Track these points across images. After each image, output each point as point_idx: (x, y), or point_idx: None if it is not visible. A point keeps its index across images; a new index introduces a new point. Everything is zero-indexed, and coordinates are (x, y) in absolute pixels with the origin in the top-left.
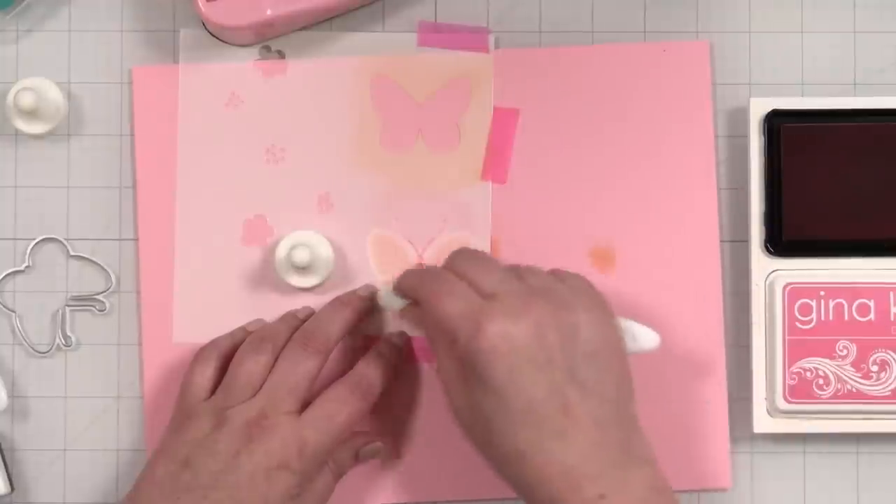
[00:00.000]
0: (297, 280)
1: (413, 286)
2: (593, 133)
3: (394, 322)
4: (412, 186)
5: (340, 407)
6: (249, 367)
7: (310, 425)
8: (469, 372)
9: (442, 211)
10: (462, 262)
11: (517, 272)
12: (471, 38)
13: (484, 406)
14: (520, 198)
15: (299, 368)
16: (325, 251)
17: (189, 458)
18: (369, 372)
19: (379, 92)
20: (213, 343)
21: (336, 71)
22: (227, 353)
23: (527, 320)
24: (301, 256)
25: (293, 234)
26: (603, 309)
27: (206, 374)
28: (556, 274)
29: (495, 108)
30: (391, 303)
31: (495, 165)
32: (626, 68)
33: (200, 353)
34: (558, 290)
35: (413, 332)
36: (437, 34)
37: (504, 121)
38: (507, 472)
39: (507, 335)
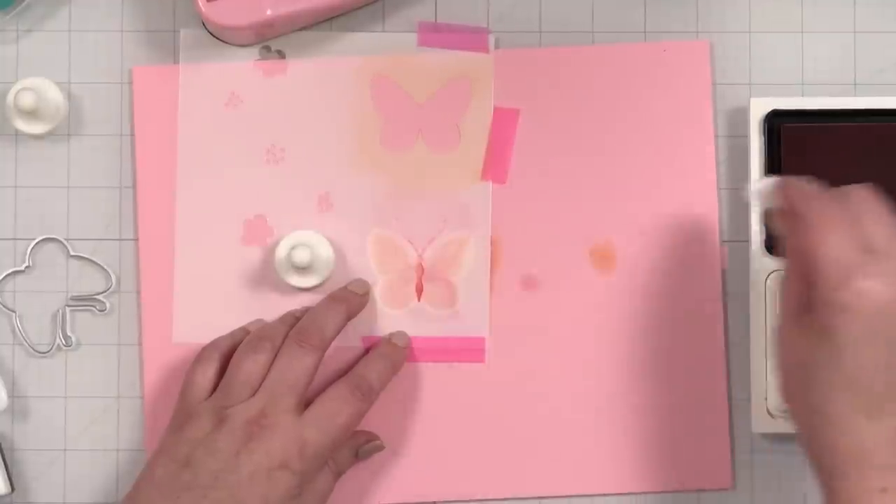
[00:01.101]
0: (297, 280)
1: (800, 203)
2: (593, 133)
3: (394, 322)
4: (412, 186)
5: (341, 407)
6: (248, 366)
7: (310, 425)
8: (817, 316)
9: (442, 211)
10: (859, 202)
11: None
12: (471, 38)
13: (814, 355)
14: (520, 198)
15: (297, 365)
16: (325, 251)
17: (189, 457)
18: (370, 372)
19: (379, 92)
20: (214, 343)
21: (336, 71)
22: (228, 354)
23: (894, 290)
24: (301, 256)
25: (293, 234)
26: None
27: (207, 374)
28: None
29: (495, 108)
30: (758, 199)
31: (495, 165)
32: (626, 68)
33: (201, 354)
34: None
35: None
36: (437, 34)
37: (504, 121)
38: (803, 424)
39: (871, 296)
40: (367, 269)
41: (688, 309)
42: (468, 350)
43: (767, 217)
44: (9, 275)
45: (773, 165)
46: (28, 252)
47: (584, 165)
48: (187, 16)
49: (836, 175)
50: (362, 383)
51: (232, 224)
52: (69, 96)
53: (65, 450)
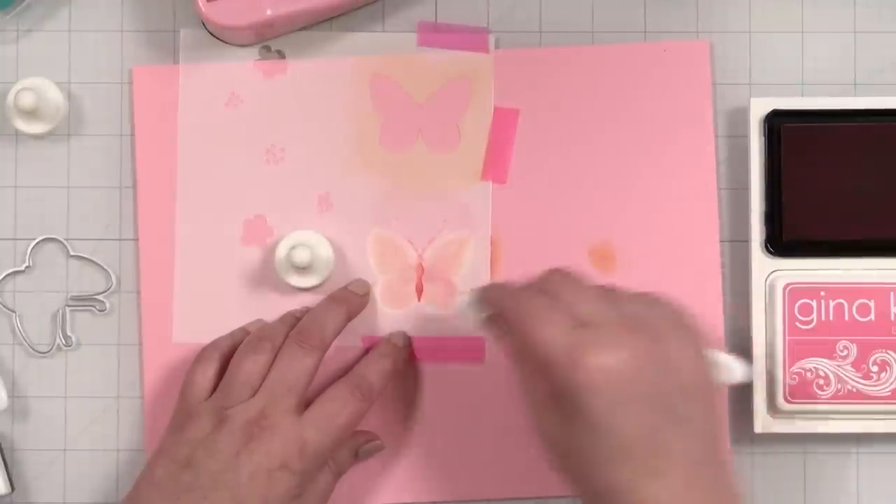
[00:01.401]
0: (297, 280)
1: (502, 305)
2: (593, 133)
3: (394, 322)
4: (412, 186)
5: (341, 407)
6: (248, 367)
7: (310, 425)
8: (564, 402)
9: (442, 211)
10: (555, 283)
11: (612, 297)
12: (471, 38)
13: (578, 439)
14: (520, 198)
15: (297, 366)
16: (325, 251)
17: (189, 458)
18: (370, 372)
19: (379, 92)
20: (214, 343)
21: (336, 71)
22: (228, 354)
23: (625, 354)
24: (301, 256)
25: (293, 234)
26: (697, 341)
27: (207, 374)
28: (648, 300)
29: (495, 108)
30: (470, 312)
31: (495, 165)
32: (626, 68)
33: (201, 354)
34: (654, 320)
35: (494, 341)
36: (436, 34)
37: (504, 121)
38: (591, 498)
39: (605, 369)
40: (367, 269)
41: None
42: (468, 350)
43: (484, 326)
44: (9, 275)
45: (773, 165)
46: (28, 252)
47: (584, 165)
48: (187, 16)
49: (836, 175)
50: (362, 383)
51: (232, 224)
52: (69, 96)
53: (65, 450)
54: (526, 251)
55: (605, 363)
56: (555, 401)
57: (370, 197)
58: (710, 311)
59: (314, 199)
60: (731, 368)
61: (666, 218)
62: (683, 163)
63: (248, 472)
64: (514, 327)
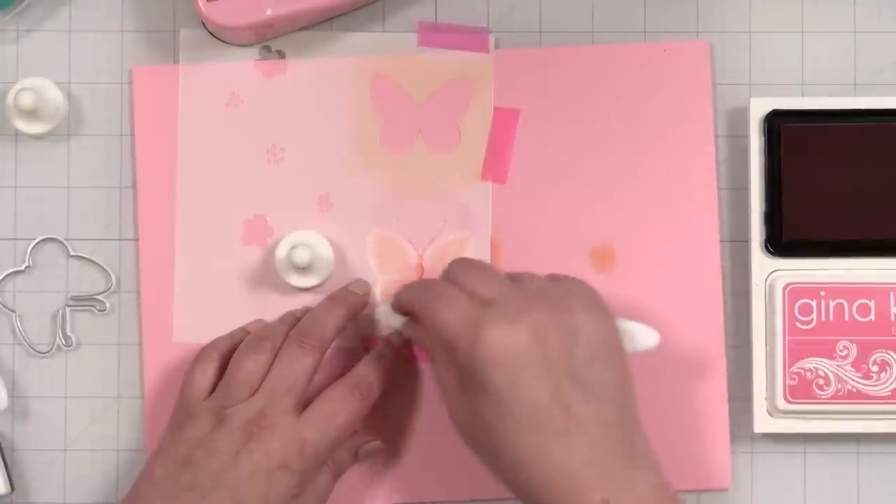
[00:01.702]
0: (297, 280)
1: (410, 300)
2: (593, 133)
3: (394, 322)
4: (412, 186)
5: (340, 407)
6: (248, 366)
7: (310, 425)
8: (469, 380)
9: (442, 211)
10: (458, 271)
11: (513, 278)
12: (471, 38)
13: (486, 414)
14: (520, 198)
15: (296, 366)
16: (325, 251)
17: (189, 458)
18: (369, 372)
19: (379, 92)
20: (214, 343)
21: (336, 71)
22: (228, 354)
23: (525, 325)
24: (301, 256)
25: (293, 234)
26: (602, 310)
27: (207, 373)
28: (553, 278)
29: (495, 108)
30: (391, 320)
31: (495, 165)
32: (626, 68)
33: (201, 353)
34: (556, 292)
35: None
36: (437, 34)
37: (504, 121)
38: (511, 479)
39: (506, 341)
40: (367, 269)
41: (688, 309)
42: None
43: (405, 331)
44: (9, 275)
45: (773, 165)
46: (28, 252)
47: (584, 165)
48: (187, 16)
49: (836, 175)
50: (361, 383)
51: (232, 224)
52: (69, 96)
53: (65, 450)
54: (526, 251)
55: (504, 336)
56: (463, 382)
57: (370, 197)
58: (710, 311)
59: (314, 199)
60: (638, 335)
61: (666, 218)
62: (683, 163)
63: (248, 471)
64: (421, 318)
